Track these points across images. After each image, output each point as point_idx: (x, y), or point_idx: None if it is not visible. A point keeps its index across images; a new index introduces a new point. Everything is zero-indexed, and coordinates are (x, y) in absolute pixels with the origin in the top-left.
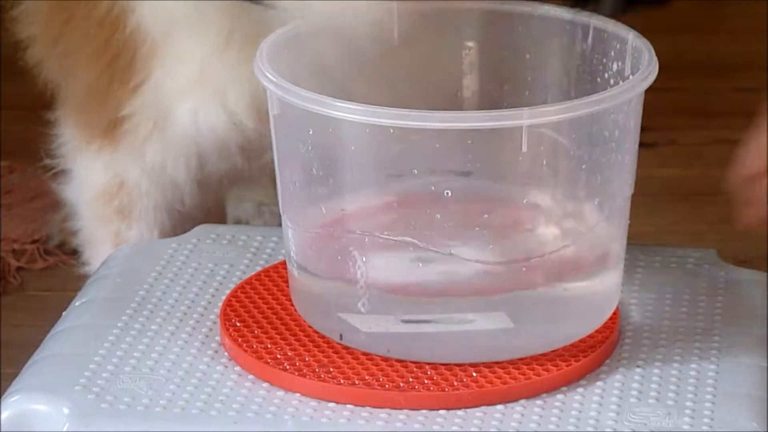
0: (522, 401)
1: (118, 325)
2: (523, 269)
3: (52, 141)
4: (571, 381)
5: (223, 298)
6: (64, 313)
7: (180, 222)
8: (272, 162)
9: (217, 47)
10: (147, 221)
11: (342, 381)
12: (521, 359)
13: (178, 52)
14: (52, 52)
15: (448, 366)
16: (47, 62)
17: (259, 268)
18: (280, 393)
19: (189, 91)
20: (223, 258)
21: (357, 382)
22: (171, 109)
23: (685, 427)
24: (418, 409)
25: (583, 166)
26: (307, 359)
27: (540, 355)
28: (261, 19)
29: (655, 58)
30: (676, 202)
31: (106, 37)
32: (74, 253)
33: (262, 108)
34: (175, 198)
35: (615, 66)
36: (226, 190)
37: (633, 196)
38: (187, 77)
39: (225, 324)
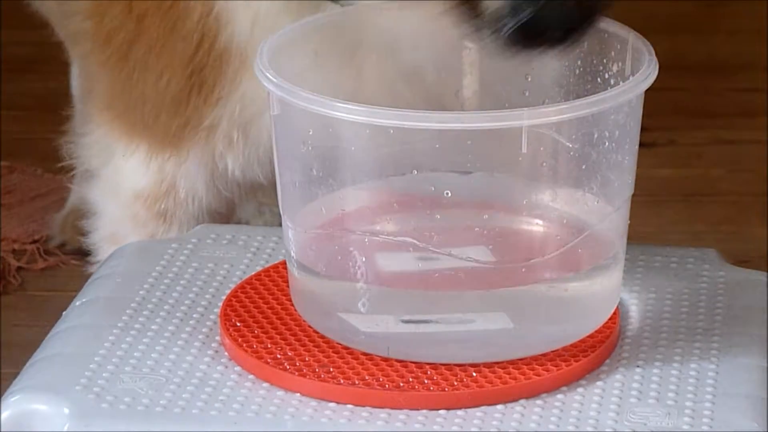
0: (522, 401)
1: (118, 325)
2: (523, 269)
3: (65, 139)
4: (571, 381)
5: (223, 298)
6: (64, 313)
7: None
8: None
9: (309, 62)
10: (188, 225)
11: (342, 381)
12: (521, 359)
13: None
14: (111, 54)
15: (448, 366)
16: (89, 65)
17: (259, 268)
18: (280, 393)
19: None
20: (223, 258)
21: (357, 382)
22: (255, 119)
23: (685, 427)
24: (418, 409)
25: (583, 167)
26: (307, 359)
27: (540, 355)
28: (350, 36)
29: (655, 59)
30: (676, 202)
31: (194, 48)
32: (74, 253)
33: None
34: (221, 203)
35: (615, 66)
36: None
37: (633, 196)
38: None
39: (225, 324)
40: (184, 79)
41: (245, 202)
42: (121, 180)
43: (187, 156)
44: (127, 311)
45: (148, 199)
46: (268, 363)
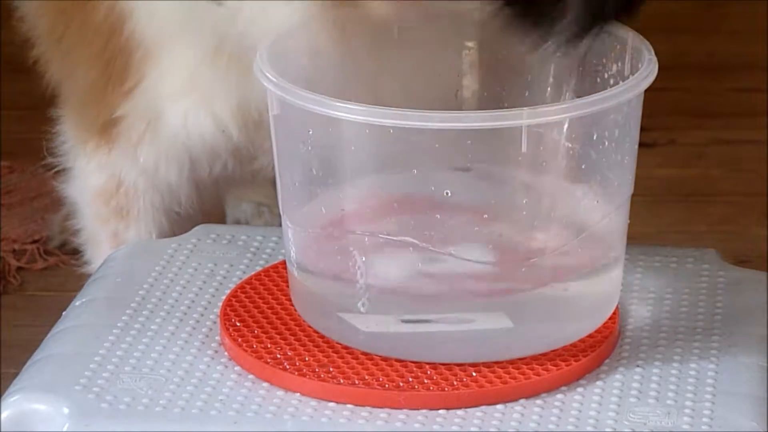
0: (522, 401)
1: (118, 325)
2: (523, 269)
3: (53, 139)
4: (570, 381)
5: (223, 298)
6: (64, 313)
7: (179, 223)
8: (265, 166)
9: (206, 54)
10: (145, 222)
11: (342, 381)
12: (521, 359)
13: (170, 57)
14: (55, 51)
15: (448, 366)
16: (51, 61)
17: (259, 268)
18: (280, 393)
19: (179, 95)
20: (223, 258)
21: (357, 382)
22: (162, 112)
23: (685, 426)
24: (418, 409)
25: (583, 166)
26: (307, 359)
27: (540, 355)
28: (248, 30)
29: (655, 59)
30: (676, 202)
31: (104, 41)
32: (74, 253)
33: (248, 116)
34: (172, 199)
35: (615, 66)
36: (223, 191)
37: (633, 196)
38: (177, 82)
39: (225, 324)
40: (99, 70)
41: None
42: (85, 178)
43: (113, 147)
44: (127, 311)
45: (103, 196)
46: (268, 363)
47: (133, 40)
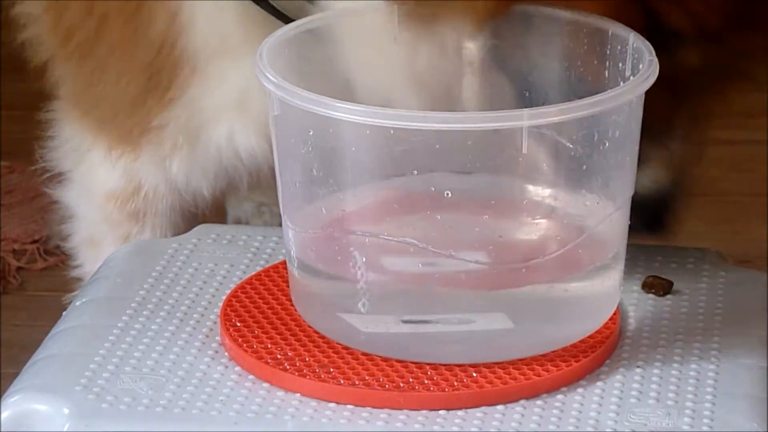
0: (522, 401)
1: (118, 325)
2: (523, 270)
3: (46, 142)
4: (571, 381)
5: (223, 298)
6: (64, 313)
7: (193, 221)
8: None
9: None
10: (161, 224)
11: (342, 381)
12: (521, 359)
13: (219, 72)
14: (72, 57)
15: (448, 366)
16: (55, 64)
17: (259, 268)
18: (280, 393)
19: (226, 111)
20: (223, 258)
21: (357, 383)
22: (204, 126)
23: (685, 427)
24: (418, 410)
25: (584, 167)
26: (307, 359)
27: (540, 355)
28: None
29: (656, 59)
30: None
31: (155, 53)
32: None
33: None
34: (190, 202)
35: (615, 66)
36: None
37: (633, 196)
38: (225, 98)
39: (225, 324)
40: (143, 82)
41: (237, 202)
42: (93, 181)
43: (140, 155)
44: (127, 311)
45: (119, 199)
46: (268, 363)
47: (185, 53)
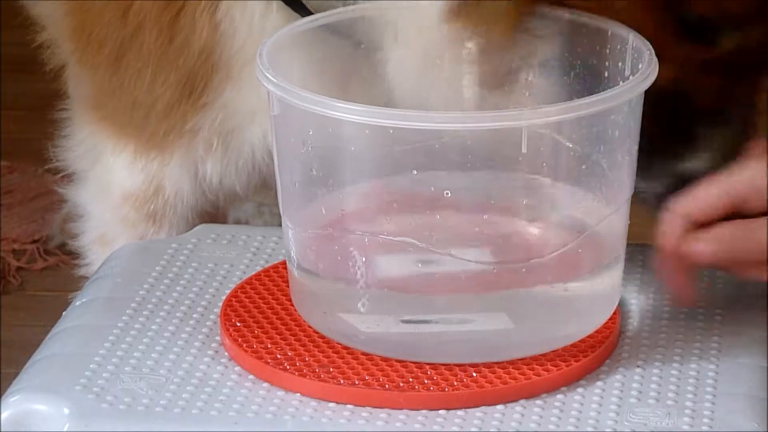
0: (522, 401)
1: (118, 325)
2: (523, 269)
3: (58, 141)
4: (571, 381)
5: (223, 298)
6: (64, 313)
7: (207, 221)
8: None
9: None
10: (179, 224)
11: (342, 381)
12: (521, 359)
13: (254, 77)
14: (83, 58)
15: (448, 366)
16: (74, 67)
17: (259, 268)
18: (280, 393)
19: (258, 115)
20: (223, 258)
21: (357, 382)
22: (239, 128)
23: (685, 427)
24: (418, 409)
25: (583, 167)
26: (307, 359)
27: (540, 355)
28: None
29: (655, 59)
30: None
31: (194, 59)
32: (74, 253)
33: None
34: (211, 202)
35: (615, 66)
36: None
37: (633, 196)
38: (258, 102)
39: (225, 324)
40: (178, 88)
41: (239, 203)
42: (110, 181)
43: (171, 158)
44: (127, 311)
45: (137, 200)
46: (268, 363)
47: (222, 59)
